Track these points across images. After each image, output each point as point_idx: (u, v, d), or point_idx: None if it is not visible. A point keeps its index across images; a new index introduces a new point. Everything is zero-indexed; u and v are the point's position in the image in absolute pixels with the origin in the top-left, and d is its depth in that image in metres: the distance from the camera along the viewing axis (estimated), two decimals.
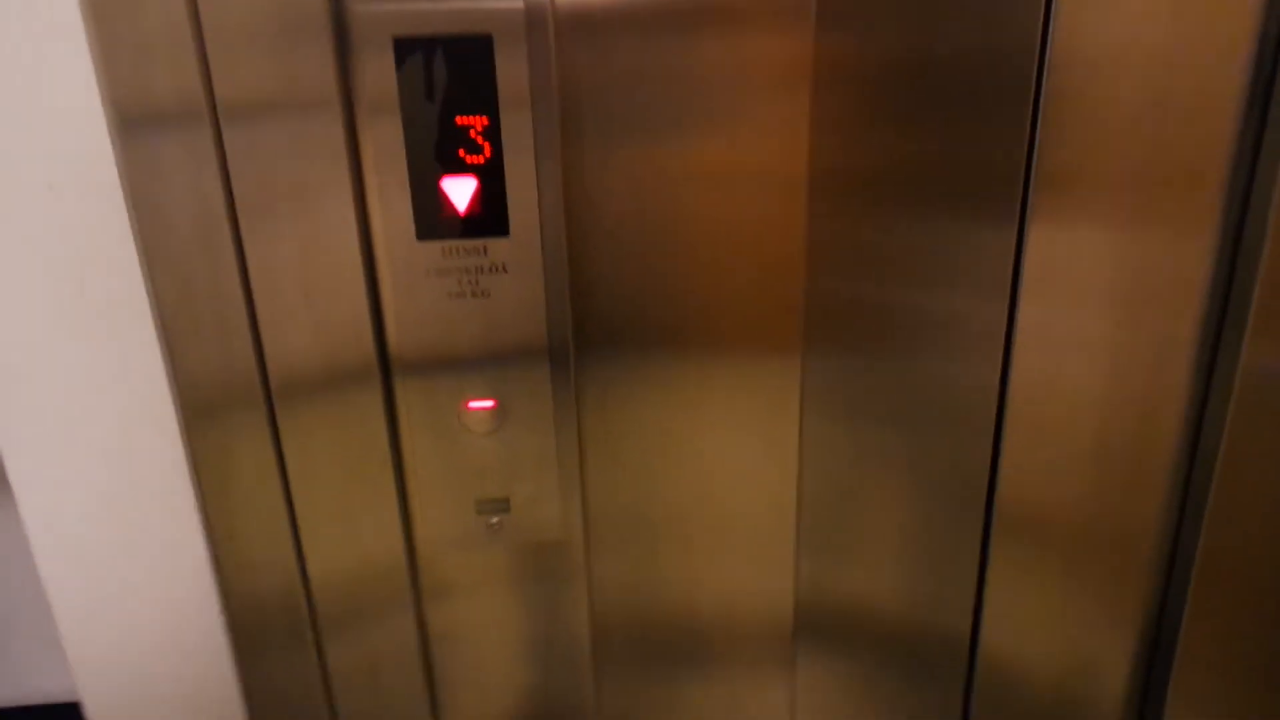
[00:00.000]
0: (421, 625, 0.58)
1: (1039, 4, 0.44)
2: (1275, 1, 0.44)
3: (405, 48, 0.42)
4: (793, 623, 0.59)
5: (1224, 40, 0.45)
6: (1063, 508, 0.56)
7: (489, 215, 0.46)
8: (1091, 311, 0.51)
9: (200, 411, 0.50)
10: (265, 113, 0.45)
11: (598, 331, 0.50)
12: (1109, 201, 0.48)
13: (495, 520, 0.53)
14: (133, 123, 0.44)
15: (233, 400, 0.50)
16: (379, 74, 0.43)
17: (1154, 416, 0.53)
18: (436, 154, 0.44)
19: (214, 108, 0.44)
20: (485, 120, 0.44)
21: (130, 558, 0.56)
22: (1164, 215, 0.48)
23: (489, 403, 0.50)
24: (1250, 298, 0.49)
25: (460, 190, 0.45)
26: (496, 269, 0.47)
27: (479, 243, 0.46)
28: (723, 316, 0.51)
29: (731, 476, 0.55)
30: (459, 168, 0.45)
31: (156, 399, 0.52)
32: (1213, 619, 0.57)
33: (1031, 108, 0.46)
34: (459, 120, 0.44)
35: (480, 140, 0.44)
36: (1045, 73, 0.46)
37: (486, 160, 0.45)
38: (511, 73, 0.43)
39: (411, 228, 0.46)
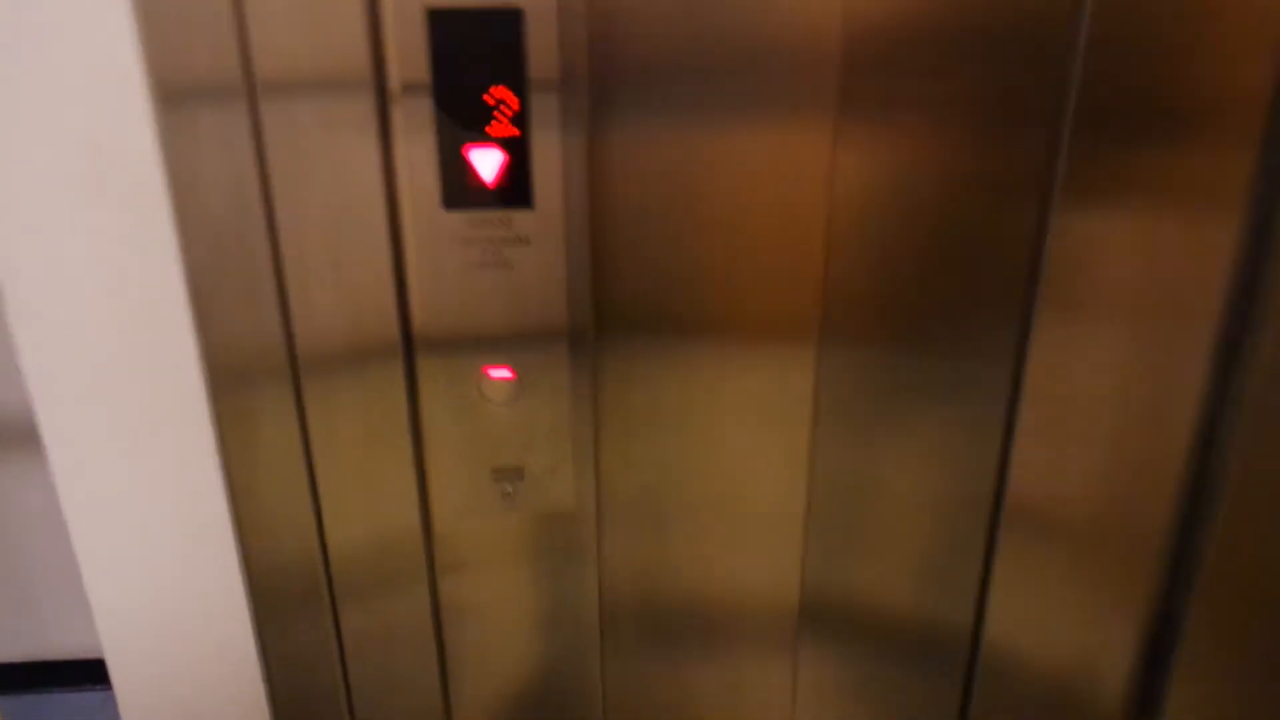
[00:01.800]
0: (435, 596, 0.58)
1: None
2: None
3: (437, 19, 0.43)
4: (797, 609, 0.60)
5: None
6: (1070, 503, 0.56)
7: (514, 187, 0.47)
8: (1106, 308, 0.51)
9: (227, 377, 0.52)
10: (300, 85, 0.46)
11: (618, 309, 0.51)
12: (1135, 200, 0.49)
13: (509, 489, 0.54)
14: (173, 94, 0.45)
15: (259, 366, 0.51)
16: (411, 45, 0.44)
17: (1165, 413, 0.54)
18: (465, 125, 0.45)
19: (251, 80, 0.45)
20: (514, 94, 0.45)
21: (156, 518, 0.57)
22: (1192, 199, 0.49)
23: (508, 373, 0.51)
24: (1272, 292, 0.49)
25: (487, 161, 0.46)
26: (520, 240, 0.48)
27: (503, 214, 0.47)
28: (742, 303, 0.51)
29: (743, 462, 0.56)
30: (486, 139, 0.46)
31: (186, 364, 0.53)
32: (1217, 617, 0.57)
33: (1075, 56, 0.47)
34: (488, 92, 0.45)
35: (508, 113, 0.45)
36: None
37: (514, 133, 0.46)
38: (541, 47, 0.44)
39: (438, 197, 0.47)
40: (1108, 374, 0.53)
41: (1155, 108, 0.47)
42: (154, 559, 0.59)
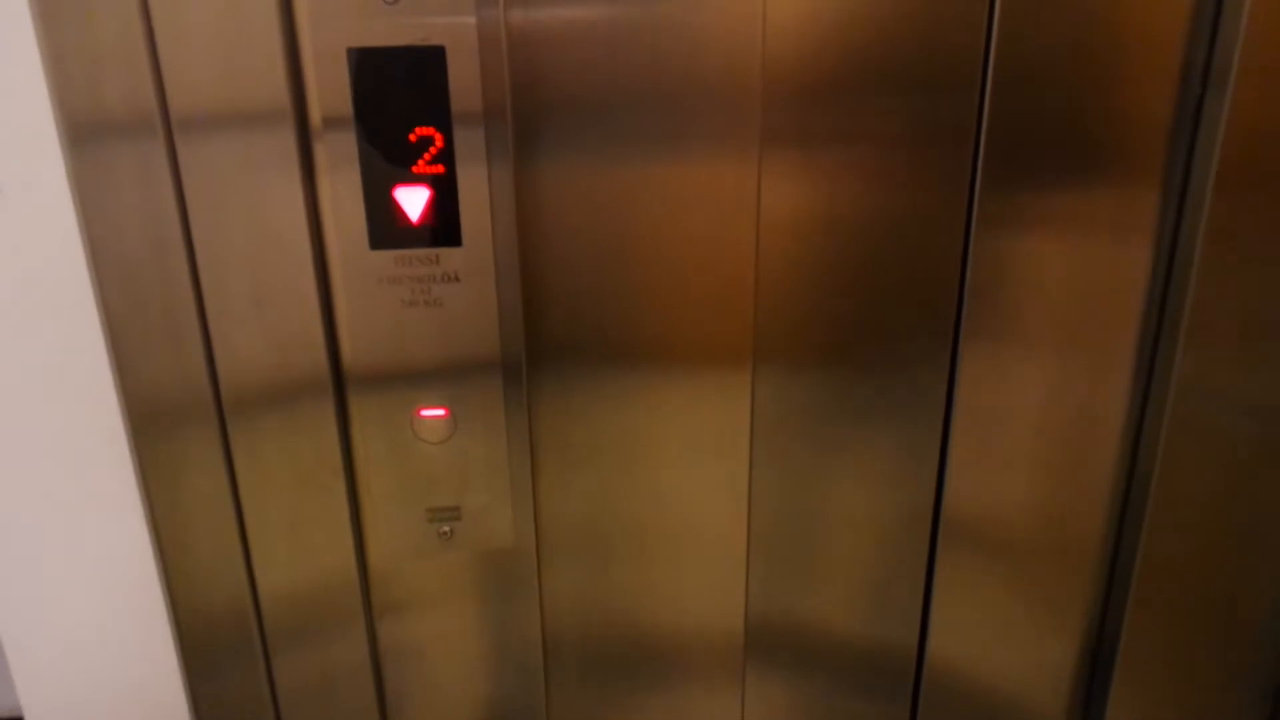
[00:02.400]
0: (373, 639, 0.57)
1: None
2: None
3: (360, 58, 0.43)
4: (743, 634, 0.60)
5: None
6: (1006, 520, 0.57)
7: (442, 225, 0.46)
8: (1030, 329, 0.52)
9: (149, 422, 0.50)
10: (219, 123, 0.45)
11: (551, 343, 0.51)
12: (1051, 226, 0.50)
13: (446, 529, 0.53)
14: (84, 131, 0.44)
15: (183, 411, 0.50)
16: (333, 84, 0.44)
17: (1092, 429, 0.55)
18: (390, 163, 0.45)
19: (167, 118, 0.44)
20: (438, 131, 0.44)
21: (79, 570, 0.56)
22: (1104, 223, 0.50)
23: (441, 411, 0.50)
24: (1183, 310, 0.51)
25: (413, 200, 0.46)
26: (449, 278, 0.47)
27: (432, 252, 0.47)
28: (675, 332, 0.52)
29: (684, 489, 0.56)
30: (412, 178, 0.45)
31: (105, 409, 0.52)
32: (1152, 626, 0.58)
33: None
34: (412, 131, 0.44)
35: (433, 151, 0.45)
36: None
37: (440, 170, 0.45)
38: (464, 84, 0.44)
39: (365, 237, 0.46)
40: (1035, 392, 0.54)
41: (1063, 140, 0.48)
42: (76, 612, 0.57)
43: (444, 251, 0.47)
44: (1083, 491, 0.56)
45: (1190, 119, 0.48)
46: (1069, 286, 0.51)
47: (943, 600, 0.58)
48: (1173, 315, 0.51)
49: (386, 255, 0.47)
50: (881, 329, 0.52)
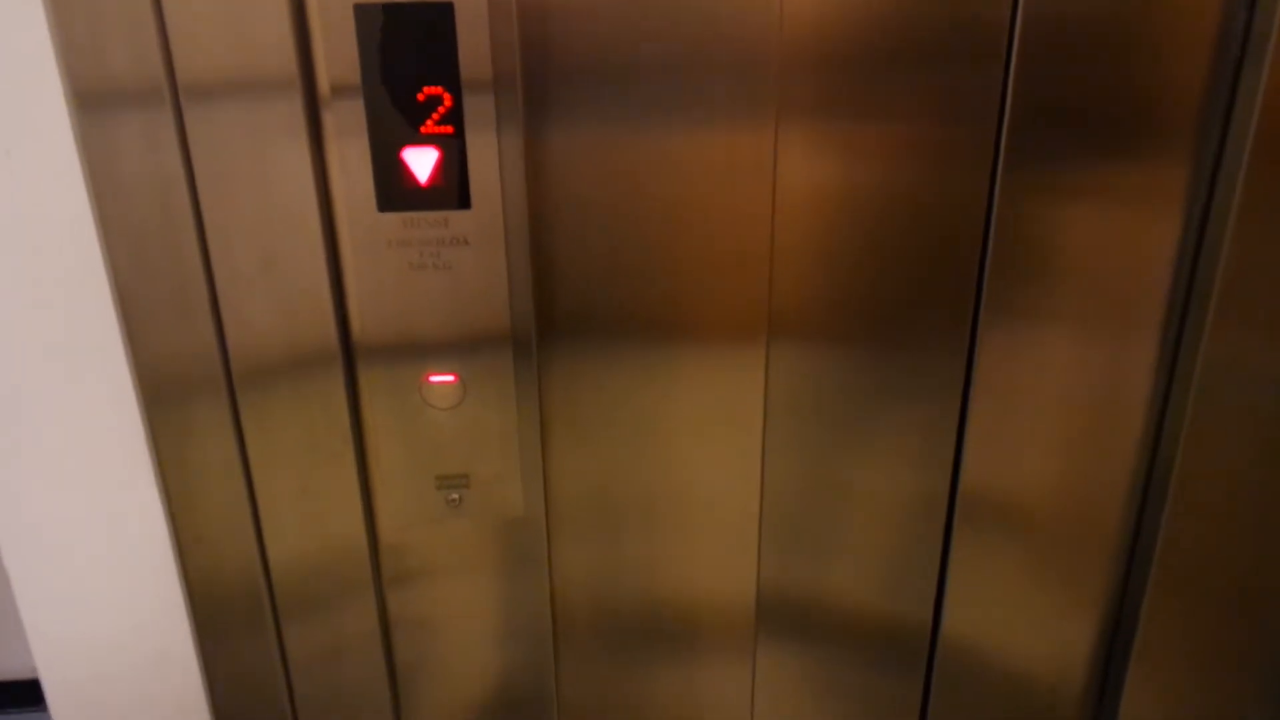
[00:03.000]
0: (382, 608, 0.57)
1: None
2: None
3: (366, 16, 0.42)
4: (754, 609, 0.59)
5: None
6: (1024, 499, 0.56)
7: (450, 187, 0.46)
8: (1053, 306, 0.51)
9: (160, 390, 0.50)
10: (226, 88, 0.45)
11: (563, 311, 0.51)
12: (1075, 202, 0.49)
13: (455, 496, 0.53)
14: (91, 98, 0.44)
15: (193, 379, 0.50)
16: (339, 44, 0.43)
17: (1114, 409, 0.54)
18: (398, 124, 0.45)
19: (174, 84, 0.44)
20: (447, 91, 0.44)
21: (92, 537, 0.56)
22: (1131, 198, 0.49)
23: (450, 377, 0.50)
24: (1213, 287, 0.50)
25: (421, 161, 0.45)
26: (458, 241, 0.47)
27: (440, 215, 0.46)
28: (688, 303, 0.51)
29: (696, 463, 0.55)
30: (420, 138, 0.45)
31: (116, 378, 0.52)
32: (1172, 609, 0.58)
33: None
34: (420, 90, 0.44)
35: (441, 110, 0.44)
36: None
37: (448, 131, 0.45)
38: (473, 44, 0.43)
39: (373, 199, 0.46)
40: (1056, 371, 0.53)
41: (1091, 113, 0.47)
42: (90, 579, 0.57)
43: (453, 214, 0.46)
44: (1103, 471, 0.56)
45: (1226, 90, 0.47)
46: (1093, 263, 0.51)
47: (958, 577, 0.58)
48: (1201, 292, 0.50)
49: (395, 218, 0.46)
50: (899, 305, 0.51)
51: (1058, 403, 0.54)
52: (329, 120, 0.45)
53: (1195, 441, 0.53)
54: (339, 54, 0.43)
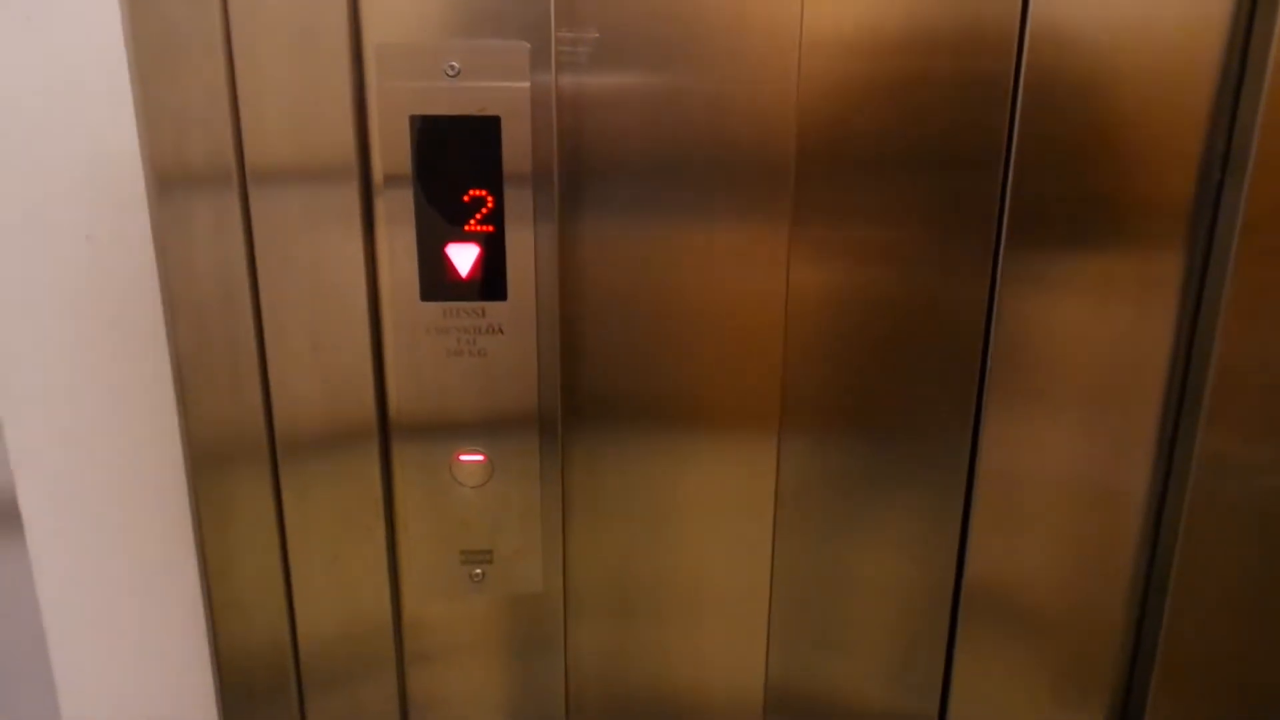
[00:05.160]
0: (402, 683, 0.58)
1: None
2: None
3: (421, 124, 0.46)
4: (763, 698, 0.60)
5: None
6: (1028, 589, 0.57)
7: (489, 280, 0.49)
8: (1053, 397, 0.53)
9: (206, 458, 0.52)
10: (289, 178, 0.48)
11: (587, 396, 0.53)
12: (1074, 296, 0.51)
13: (479, 571, 0.55)
14: (168, 182, 0.48)
15: (239, 449, 0.52)
16: (395, 147, 0.47)
17: (1115, 500, 0.55)
18: (444, 222, 0.48)
19: (243, 172, 0.48)
20: (490, 193, 0.47)
21: (128, 601, 0.57)
22: (1125, 297, 0.52)
23: (479, 456, 0.53)
24: (1205, 382, 0.52)
25: (463, 256, 0.49)
26: (493, 330, 0.50)
27: (478, 305, 0.49)
28: (705, 392, 0.53)
29: (708, 548, 0.57)
30: (464, 236, 0.48)
31: (166, 445, 0.54)
32: (1177, 702, 0.57)
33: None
34: (466, 192, 0.47)
35: (484, 211, 0.48)
36: None
37: (490, 230, 0.48)
38: (516, 150, 0.47)
39: (416, 288, 0.49)
40: (1057, 461, 0.54)
41: (1085, 217, 0.50)
42: (123, 642, 0.58)
43: (490, 305, 0.50)
44: (1105, 563, 0.56)
45: (1211, 200, 0.50)
46: (1091, 359, 0.53)
47: (964, 670, 0.58)
48: (1195, 387, 0.52)
49: (435, 307, 0.49)
50: (905, 397, 0.53)
51: (1059, 493, 0.55)
52: (380, 212, 0.49)
53: (1193, 534, 0.54)
54: (394, 155, 0.47)
